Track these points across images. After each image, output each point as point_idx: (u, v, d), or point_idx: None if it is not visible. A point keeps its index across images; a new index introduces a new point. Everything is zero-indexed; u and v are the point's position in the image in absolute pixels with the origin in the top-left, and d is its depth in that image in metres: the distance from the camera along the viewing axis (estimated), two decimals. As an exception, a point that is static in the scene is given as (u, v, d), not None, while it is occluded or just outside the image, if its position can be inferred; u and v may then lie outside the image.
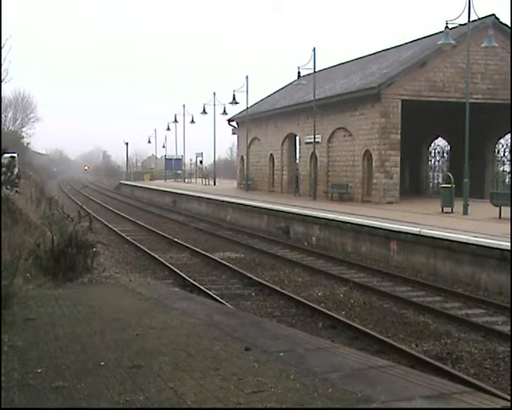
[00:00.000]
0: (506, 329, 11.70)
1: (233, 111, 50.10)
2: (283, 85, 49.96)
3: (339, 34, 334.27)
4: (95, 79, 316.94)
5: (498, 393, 7.84)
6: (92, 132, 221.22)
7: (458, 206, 23.54)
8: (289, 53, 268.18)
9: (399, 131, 29.84)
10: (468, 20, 23.31)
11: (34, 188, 35.80)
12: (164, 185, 58.57)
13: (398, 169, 30.25)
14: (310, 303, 13.53)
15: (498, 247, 15.07)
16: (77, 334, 8.14)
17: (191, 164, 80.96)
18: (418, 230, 18.19)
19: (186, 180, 69.26)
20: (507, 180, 35.54)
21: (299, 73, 34.37)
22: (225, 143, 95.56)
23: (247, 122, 44.62)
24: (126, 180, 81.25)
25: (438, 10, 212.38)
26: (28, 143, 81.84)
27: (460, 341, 11.09)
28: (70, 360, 6.89)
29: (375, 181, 30.42)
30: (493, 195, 23.72)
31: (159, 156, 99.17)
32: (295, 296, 14.27)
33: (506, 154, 35.54)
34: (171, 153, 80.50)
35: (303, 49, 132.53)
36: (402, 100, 29.87)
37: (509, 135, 34.31)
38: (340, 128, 33.73)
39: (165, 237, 26.01)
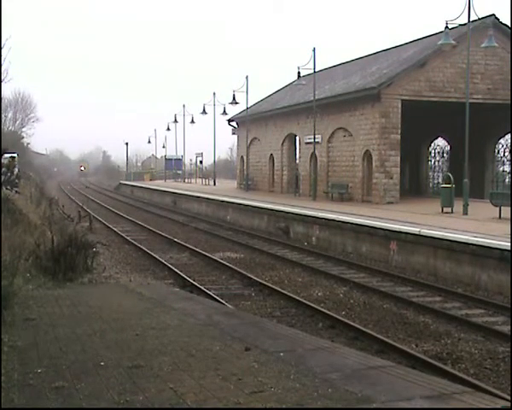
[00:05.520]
0: (506, 329, 11.70)
1: (233, 111, 50.18)
2: (283, 86, 49.95)
3: (339, 34, 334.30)
4: (95, 79, 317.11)
5: (498, 393, 7.83)
6: (92, 132, 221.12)
7: (458, 206, 23.54)
8: (289, 53, 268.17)
9: (399, 131, 29.85)
10: (468, 20, 23.32)
11: (34, 188, 35.81)
12: (164, 185, 58.58)
13: (398, 169, 30.26)
14: (310, 303, 13.52)
15: (498, 247, 15.07)
16: (77, 334, 8.14)
17: (191, 164, 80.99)
18: (418, 230, 18.19)
19: (186, 180, 69.27)
20: (507, 180, 35.53)
21: (299, 73, 34.37)
22: (225, 143, 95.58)
23: (247, 122, 44.62)
24: (126, 180, 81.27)
25: (438, 10, 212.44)
26: (28, 143, 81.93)
27: (460, 341, 11.09)
28: (70, 360, 6.89)
29: (375, 181, 30.43)
30: (493, 195, 23.72)
31: (159, 156, 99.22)
32: (295, 296, 14.26)
33: (506, 154, 35.54)
34: (171, 153, 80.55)
35: (303, 50, 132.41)
36: (402, 100, 29.88)
37: (509, 135, 34.32)
38: (340, 128, 33.73)
39: (165, 237, 26.00)
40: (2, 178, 19.89)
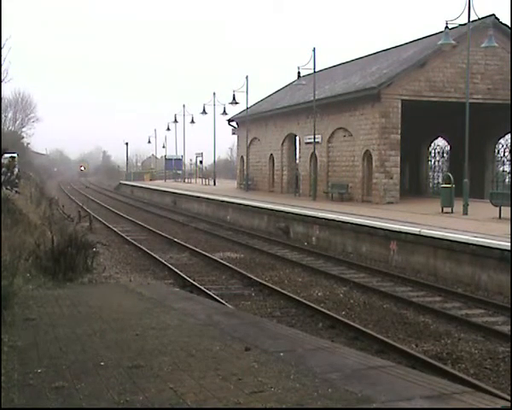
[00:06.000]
0: (506, 329, 11.70)
1: (233, 111, 50.18)
2: (283, 86, 49.96)
3: (339, 34, 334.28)
4: (95, 79, 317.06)
5: (498, 393, 7.83)
6: (92, 132, 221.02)
7: (458, 206, 23.53)
8: (289, 53, 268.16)
9: (399, 131, 29.85)
10: (468, 20, 23.32)
11: (34, 188, 35.80)
12: (164, 185, 58.58)
13: (398, 169, 30.26)
14: (310, 303, 13.52)
15: (498, 247, 15.07)
16: (77, 334, 8.14)
17: (191, 164, 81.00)
18: (418, 230, 18.19)
19: (186, 180, 69.28)
20: (507, 180, 35.54)
21: (299, 73, 34.37)
22: (225, 143, 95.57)
23: (247, 122, 44.62)
24: (126, 180, 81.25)
25: (438, 10, 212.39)
26: (28, 143, 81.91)
27: (460, 341, 11.09)
28: (70, 360, 6.89)
29: (375, 181, 30.43)
30: (493, 195, 23.72)
31: (159, 156, 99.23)
32: (295, 296, 14.26)
33: (506, 154, 35.54)
34: (171, 153, 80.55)
35: (303, 50, 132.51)
36: (402, 100, 29.88)
37: (509, 135, 34.32)
38: (340, 128, 33.73)
39: (166, 237, 26.00)
40: (2, 178, 19.89)
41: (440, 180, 36.28)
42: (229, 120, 50.07)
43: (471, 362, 9.91)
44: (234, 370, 6.47)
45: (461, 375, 8.89)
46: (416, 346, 10.78)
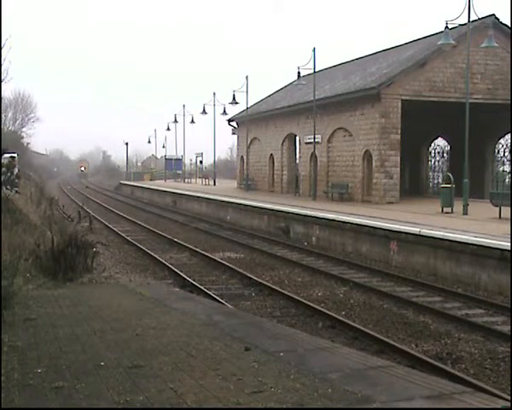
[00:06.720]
0: (506, 329, 11.70)
1: (233, 111, 50.19)
2: (283, 86, 49.96)
3: (339, 34, 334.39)
4: (94, 79, 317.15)
5: (498, 393, 7.83)
6: (92, 132, 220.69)
7: (458, 206, 23.53)
8: (289, 53, 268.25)
9: (399, 131, 29.85)
10: (468, 20, 23.31)
11: (34, 188, 35.79)
12: (164, 185, 58.57)
13: (398, 169, 30.26)
14: (310, 303, 13.52)
15: (498, 247, 15.07)
16: (77, 334, 8.14)
17: (191, 164, 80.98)
18: (418, 230, 18.19)
19: (186, 180, 69.27)
20: (507, 180, 35.52)
21: (298, 73, 34.36)
22: (225, 143, 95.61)
23: (246, 122, 44.62)
24: (126, 180, 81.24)
25: (438, 10, 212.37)
26: (28, 143, 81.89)
27: (460, 341, 11.09)
28: (70, 360, 6.88)
29: (375, 181, 30.43)
30: (493, 195, 23.72)
31: (159, 156, 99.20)
32: (295, 296, 14.26)
33: (506, 154, 35.56)
34: (171, 153, 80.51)
35: (303, 50, 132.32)
36: (402, 100, 29.88)
37: (509, 135, 34.32)
38: (340, 128, 33.73)
39: (166, 237, 26.00)
40: (2, 178, 19.90)
41: (440, 180, 36.28)
42: (229, 120, 50.07)
43: (471, 362, 9.91)
44: (234, 370, 6.46)
45: (461, 375, 8.89)
46: (416, 346, 10.78)
